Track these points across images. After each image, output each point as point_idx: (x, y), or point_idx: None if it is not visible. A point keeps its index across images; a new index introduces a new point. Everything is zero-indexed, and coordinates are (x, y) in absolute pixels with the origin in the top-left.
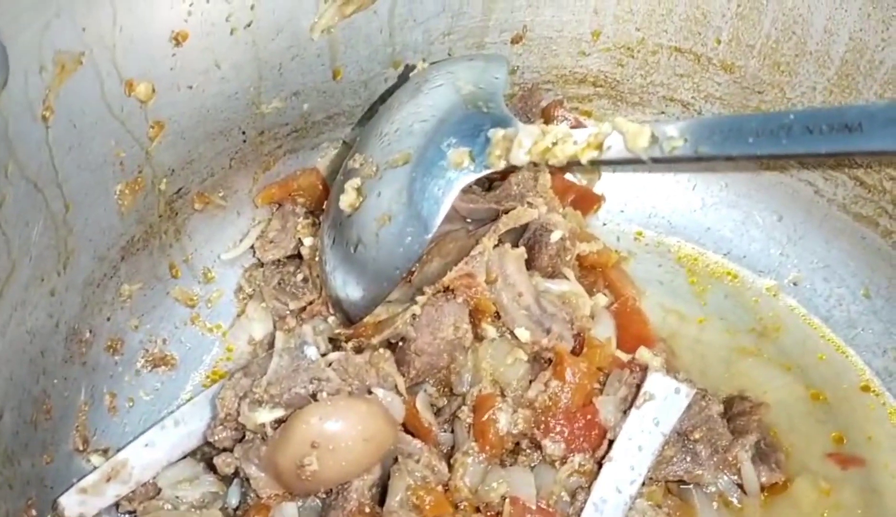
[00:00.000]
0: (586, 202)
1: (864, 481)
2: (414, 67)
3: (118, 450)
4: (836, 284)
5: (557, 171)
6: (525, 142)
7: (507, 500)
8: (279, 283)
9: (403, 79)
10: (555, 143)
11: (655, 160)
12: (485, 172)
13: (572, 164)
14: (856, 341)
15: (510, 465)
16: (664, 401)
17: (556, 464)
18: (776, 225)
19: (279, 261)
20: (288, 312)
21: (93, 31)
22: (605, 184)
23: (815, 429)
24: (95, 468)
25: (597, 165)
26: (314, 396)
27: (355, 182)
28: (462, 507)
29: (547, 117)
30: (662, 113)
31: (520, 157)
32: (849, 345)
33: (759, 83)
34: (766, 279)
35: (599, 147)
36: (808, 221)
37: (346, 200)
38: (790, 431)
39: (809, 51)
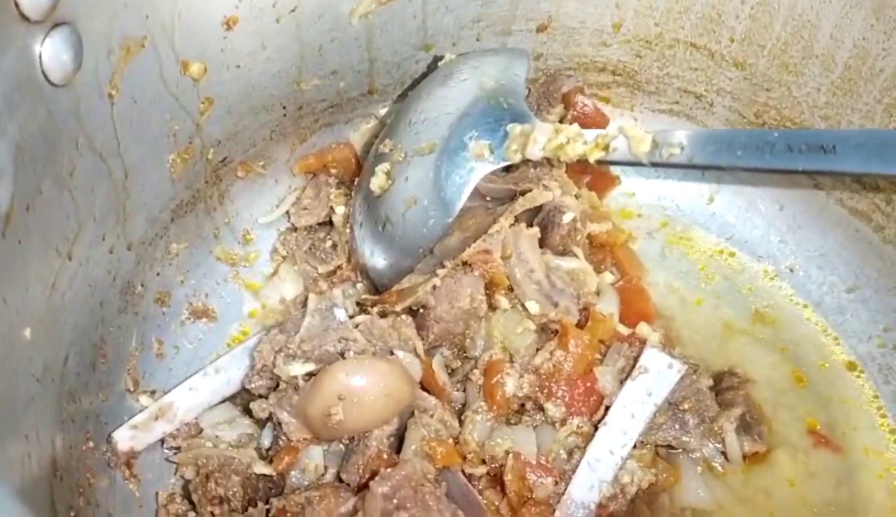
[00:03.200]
0: (602, 183)
1: (838, 457)
2: (443, 57)
3: (164, 393)
4: (829, 273)
5: None
6: (540, 138)
7: (510, 455)
8: (310, 248)
9: (432, 67)
10: (566, 142)
11: (654, 164)
12: (502, 164)
13: (581, 162)
14: (843, 327)
15: (515, 424)
16: (657, 375)
17: (557, 425)
18: (777, 214)
19: (311, 227)
20: (317, 275)
21: (155, 19)
22: (621, 166)
23: (797, 406)
24: (144, 408)
25: (604, 164)
26: (342, 354)
27: (385, 166)
28: (470, 459)
29: (567, 102)
30: (676, 103)
31: (534, 152)
32: (836, 330)
33: (768, 81)
34: (765, 264)
35: (606, 148)
36: (807, 212)
37: (377, 183)
38: (774, 406)
39: (816, 54)
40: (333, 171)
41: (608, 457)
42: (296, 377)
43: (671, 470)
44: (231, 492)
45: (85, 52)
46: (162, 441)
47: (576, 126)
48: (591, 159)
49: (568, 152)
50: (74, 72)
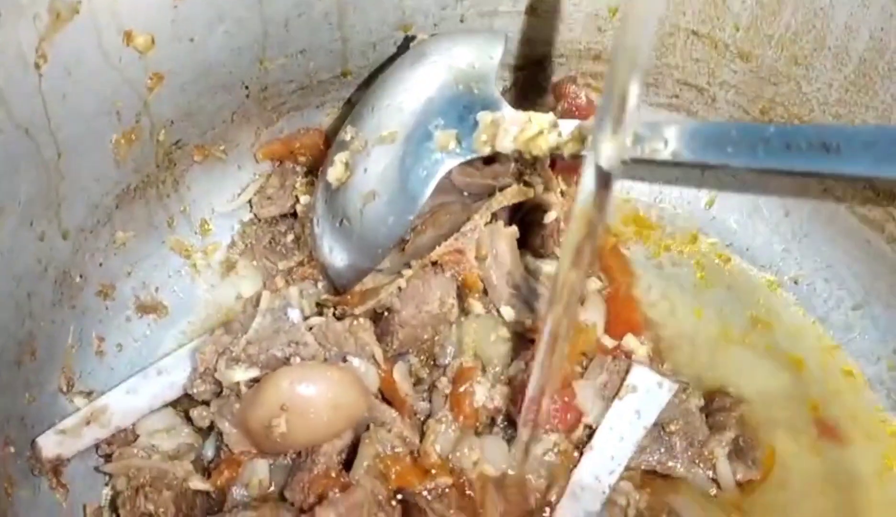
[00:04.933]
0: None
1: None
2: (415, 38)
3: (102, 394)
4: (837, 286)
5: None
6: (511, 129)
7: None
8: (270, 242)
9: (403, 49)
10: (539, 133)
11: (636, 160)
12: (471, 157)
13: (555, 156)
14: (850, 346)
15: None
16: (647, 394)
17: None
18: (782, 220)
19: (273, 219)
20: (277, 271)
21: None
22: None
23: (796, 426)
24: (78, 409)
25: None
26: (289, 360)
27: (343, 156)
28: (433, 473)
29: (558, 92)
30: (676, 96)
31: (505, 144)
32: (843, 348)
33: (776, 74)
34: (767, 273)
35: (583, 141)
36: (814, 219)
37: (334, 174)
38: (771, 427)
39: (828, 46)
40: (301, 158)
41: (594, 485)
42: (238, 383)
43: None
44: (161, 510)
45: (3, 17)
46: (97, 447)
47: (551, 115)
48: (566, 153)
49: (541, 145)
50: None
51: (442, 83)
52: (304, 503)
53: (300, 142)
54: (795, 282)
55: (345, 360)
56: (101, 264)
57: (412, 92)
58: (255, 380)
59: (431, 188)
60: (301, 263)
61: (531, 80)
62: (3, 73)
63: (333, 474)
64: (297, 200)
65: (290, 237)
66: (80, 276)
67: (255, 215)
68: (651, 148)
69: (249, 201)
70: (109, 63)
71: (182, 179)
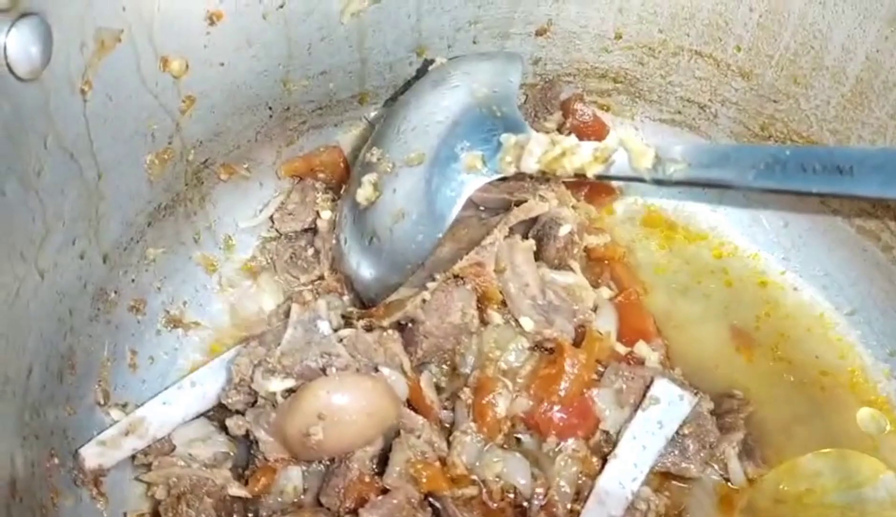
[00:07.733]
0: (601, 194)
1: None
2: (433, 61)
3: (137, 406)
4: (835, 293)
5: None
6: (535, 150)
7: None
8: (291, 257)
9: (422, 71)
10: (563, 154)
11: (657, 181)
12: (496, 177)
13: (579, 177)
14: (850, 350)
15: (508, 447)
16: (668, 406)
17: (552, 449)
18: (781, 230)
19: (293, 234)
20: (300, 285)
21: (132, 11)
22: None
23: (801, 427)
24: (115, 422)
25: (604, 177)
26: (324, 370)
27: (372, 176)
28: (458, 482)
29: (566, 110)
30: (679, 112)
31: (530, 164)
32: (842, 352)
33: (775, 92)
34: (767, 282)
35: (605, 162)
36: (812, 229)
37: (363, 194)
38: (777, 426)
39: (826, 66)
40: (321, 175)
41: (619, 491)
42: (274, 393)
43: (682, 490)
44: (203, 516)
45: (55, 45)
46: (133, 458)
47: (573, 138)
48: (590, 174)
49: (565, 165)
50: (43, 65)
51: (465, 106)
52: (340, 507)
53: (320, 159)
54: (795, 290)
55: (376, 370)
56: (133, 280)
57: (436, 115)
58: (291, 391)
59: (459, 207)
60: (321, 277)
61: (540, 98)
62: (53, 99)
63: (367, 479)
64: (318, 215)
65: (311, 251)
66: (115, 292)
67: (277, 230)
68: (672, 169)
69: (271, 217)
70: (147, 87)
71: (208, 197)
